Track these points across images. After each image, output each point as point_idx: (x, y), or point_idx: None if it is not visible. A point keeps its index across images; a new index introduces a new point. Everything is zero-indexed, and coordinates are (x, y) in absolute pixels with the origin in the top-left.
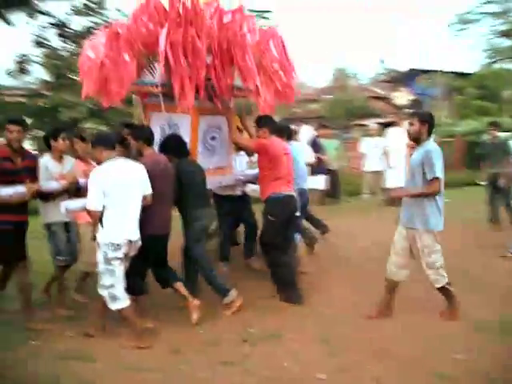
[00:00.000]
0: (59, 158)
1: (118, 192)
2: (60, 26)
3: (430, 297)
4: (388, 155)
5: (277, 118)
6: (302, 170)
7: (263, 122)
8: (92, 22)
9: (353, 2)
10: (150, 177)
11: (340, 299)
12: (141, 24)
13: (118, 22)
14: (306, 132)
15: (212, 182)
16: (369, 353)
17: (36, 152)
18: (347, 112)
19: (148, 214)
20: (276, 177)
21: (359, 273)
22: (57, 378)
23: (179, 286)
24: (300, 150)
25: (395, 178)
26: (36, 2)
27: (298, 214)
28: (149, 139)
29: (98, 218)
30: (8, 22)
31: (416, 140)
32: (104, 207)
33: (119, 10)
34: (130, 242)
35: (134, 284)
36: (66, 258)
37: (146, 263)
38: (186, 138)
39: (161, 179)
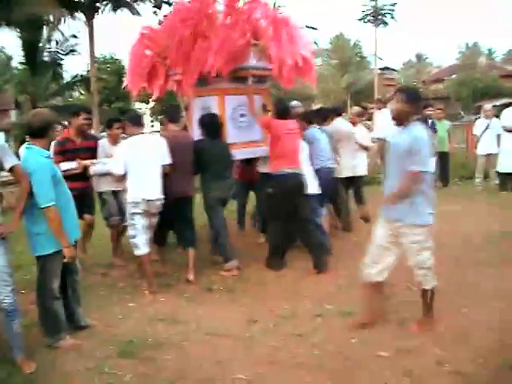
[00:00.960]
0: (114, 142)
1: (137, 160)
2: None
3: None
4: (500, 138)
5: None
6: (323, 151)
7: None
8: None
9: None
10: (170, 150)
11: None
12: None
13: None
14: (386, 114)
15: (244, 152)
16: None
17: None
18: (475, 92)
19: (168, 180)
20: (278, 155)
21: (453, 259)
22: (146, 337)
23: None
24: (318, 133)
25: (509, 162)
26: None
27: (308, 191)
28: (173, 117)
29: (121, 181)
30: (134, 12)
31: (399, 120)
32: (127, 172)
33: None
34: (148, 200)
35: (158, 236)
36: (115, 218)
37: (170, 221)
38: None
39: (179, 152)
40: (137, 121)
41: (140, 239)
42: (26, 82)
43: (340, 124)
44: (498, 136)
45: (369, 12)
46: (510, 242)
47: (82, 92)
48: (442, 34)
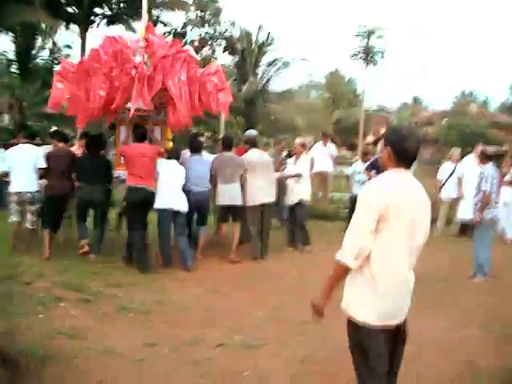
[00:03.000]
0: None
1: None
2: (176, 35)
3: None
4: (461, 184)
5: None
6: (195, 177)
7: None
8: (206, 32)
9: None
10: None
11: None
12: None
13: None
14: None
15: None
16: None
17: None
18: (462, 137)
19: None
20: (129, 172)
21: None
22: (39, 350)
23: None
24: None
25: (467, 210)
26: (155, 12)
27: (177, 208)
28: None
29: None
30: (129, 28)
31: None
32: None
33: (233, 23)
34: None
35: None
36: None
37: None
38: None
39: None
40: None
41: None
42: (15, 87)
43: (251, 154)
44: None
45: (360, 50)
46: (437, 288)
47: None
48: (441, 78)
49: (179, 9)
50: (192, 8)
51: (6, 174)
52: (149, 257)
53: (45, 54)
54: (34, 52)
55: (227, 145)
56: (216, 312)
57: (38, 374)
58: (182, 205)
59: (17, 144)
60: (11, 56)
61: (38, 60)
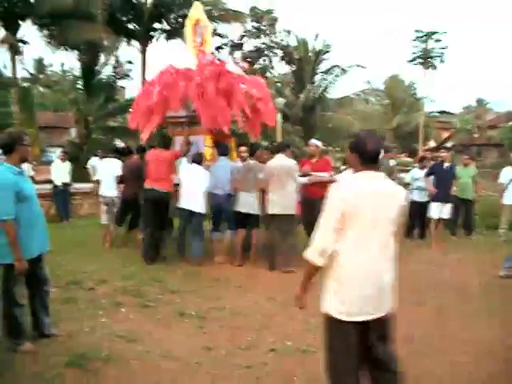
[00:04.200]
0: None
1: None
2: (233, 46)
3: None
4: None
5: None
6: (219, 182)
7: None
8: (263, 43)
9: None
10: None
11: None
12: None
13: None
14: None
15: None
16: None
17: None
18: None
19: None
20: (147, 176)
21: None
22: (101, 351)
23: None
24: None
25: None
26: (211, 24)
27: (190, 208)
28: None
29: None
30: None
31: None
32: None
33: (289, 32)
34: None
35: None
36: None
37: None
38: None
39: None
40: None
41: None
42: (80, 103)
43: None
44: None
45: (418, 54)
46: (503, 294)
47: None
48: (507, 78)
49: (235, 20)
50: (248, 19)
51: (98, 182)
52: (159, 251)
53: (108, 69)
54: (97, 68)
55: (251, 152)
56: (270, 318)
57: (99, 374)
58: (197, 206)
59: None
60: (76, 73)
61: (102, 76)
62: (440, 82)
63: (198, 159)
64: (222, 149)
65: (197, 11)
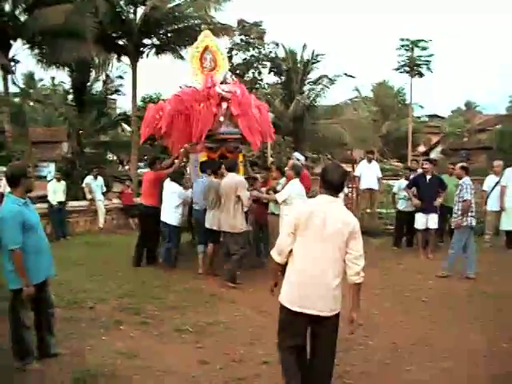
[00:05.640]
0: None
1: None
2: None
3: None
4: (503, 195)
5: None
6: (196, 197)
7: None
8: (252, 55)
9: None
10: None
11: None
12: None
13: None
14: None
15: None
16: None
17: None
18: None
19: None
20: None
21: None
22: (104, 368)
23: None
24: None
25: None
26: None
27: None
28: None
29: None
30: (177, 56)
31: None
32: None
33: (277, 44)
34: None
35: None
36: None
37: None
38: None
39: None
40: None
41: None
42: (72, 117)
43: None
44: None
45: (404, 63)
46: (486, 303)
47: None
48: (495, 81)
49: (224, 34)
50: (236, 33)
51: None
52: (149, 255)
53: (99, 85)
54: (88, 84)
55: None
56: (262, 330)
57: None
58: (168, 218)
59: None
60: (67, 86)
61: (93, 91)
62: (429, 86)
63: (175, 176)
64: (229, 164)
65: (207, 39)
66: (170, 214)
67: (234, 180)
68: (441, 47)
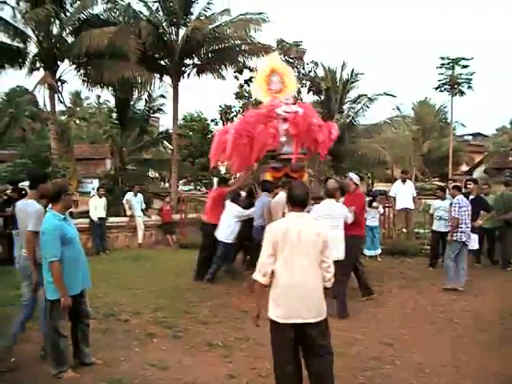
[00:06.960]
0: None
1: None
2: None
3: None
4: None
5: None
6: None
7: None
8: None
9: None
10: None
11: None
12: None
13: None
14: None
15: None
16: None
17: None
18: None
19: None
20: None
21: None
22: (134, 378)
23: None
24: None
25: None
26: (240, 58)
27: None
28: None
29: None
30: (217, 76)
31: None
32: None
33: (316, 63)
34: None
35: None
36: None
37: None
38: None
39: None
40: None
41: None
42: (116, 135)
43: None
44: None
45: (445, 81)
46: None
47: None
48: None
49: (264, 54)
50: (276, 52)
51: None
52: (211, 271)
53: (141, 104)
54: (131, 103)
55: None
56: None
57: None
58: (220, 235)
59: None
60: (111, 105)
61: (136, 110)
62: (472, 105)
63: (231, 196)
64: (264, 185)
65: (273, 61)
66: (223, 232)
67: (282, 198)
68: (485, 64)
